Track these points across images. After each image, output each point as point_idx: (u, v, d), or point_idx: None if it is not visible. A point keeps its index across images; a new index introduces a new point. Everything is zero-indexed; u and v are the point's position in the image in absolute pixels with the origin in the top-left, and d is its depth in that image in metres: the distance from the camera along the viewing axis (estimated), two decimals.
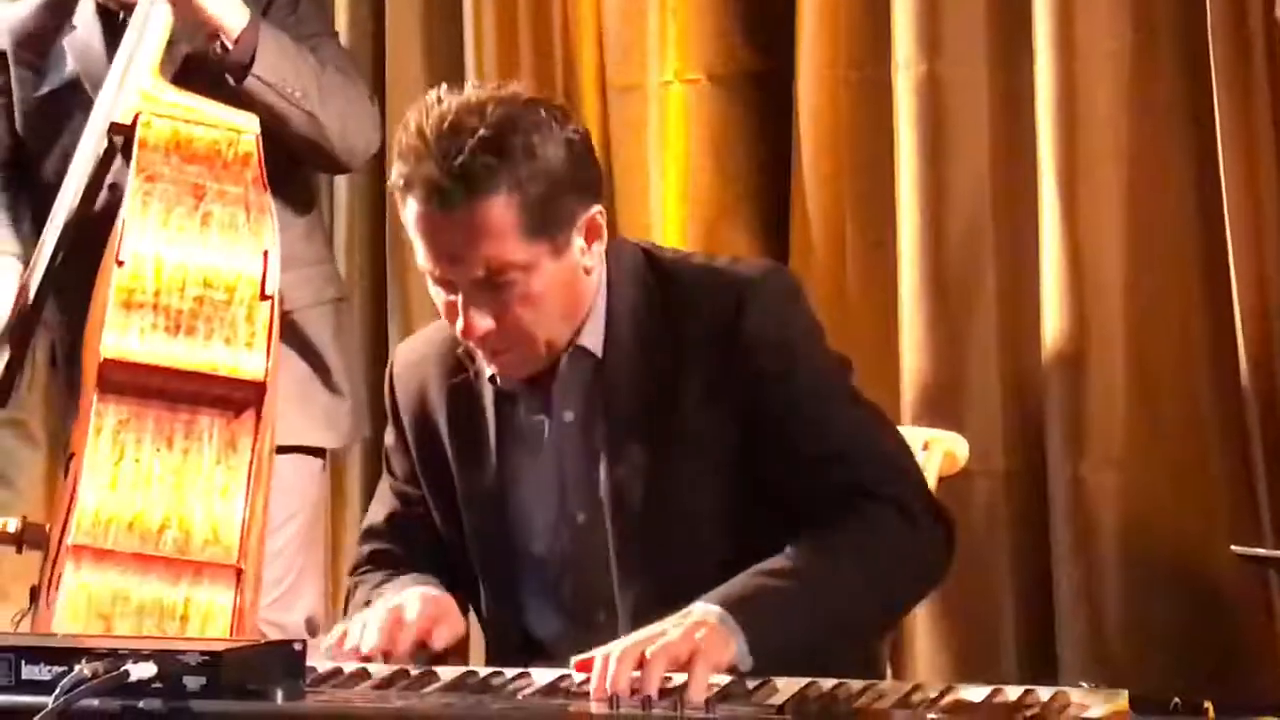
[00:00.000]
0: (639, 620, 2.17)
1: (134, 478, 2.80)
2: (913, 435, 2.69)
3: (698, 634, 2.02)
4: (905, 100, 3.46)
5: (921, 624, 3.43)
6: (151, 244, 2.85)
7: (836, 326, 3.40)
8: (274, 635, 3.03)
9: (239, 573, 2.80)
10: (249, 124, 2.94)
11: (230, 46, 3.04)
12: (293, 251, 3.15)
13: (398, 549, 2.51)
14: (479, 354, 2.35)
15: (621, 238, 2.41)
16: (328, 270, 3.44)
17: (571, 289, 2.30)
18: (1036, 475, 3.38)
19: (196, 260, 2.86)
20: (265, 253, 2.88)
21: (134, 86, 2.97)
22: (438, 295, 2.29)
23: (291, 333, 3.17)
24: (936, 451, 2.66)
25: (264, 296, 2.86)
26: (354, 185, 4.04)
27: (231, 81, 3.06)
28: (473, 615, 2.50)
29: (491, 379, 2.37)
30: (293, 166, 3.27)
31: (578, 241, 2.28)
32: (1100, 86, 3.33)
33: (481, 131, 2.19)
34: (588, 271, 2.31)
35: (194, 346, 2.83)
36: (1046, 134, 3.34)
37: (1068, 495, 3.33)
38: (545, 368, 2.34)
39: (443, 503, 2.45)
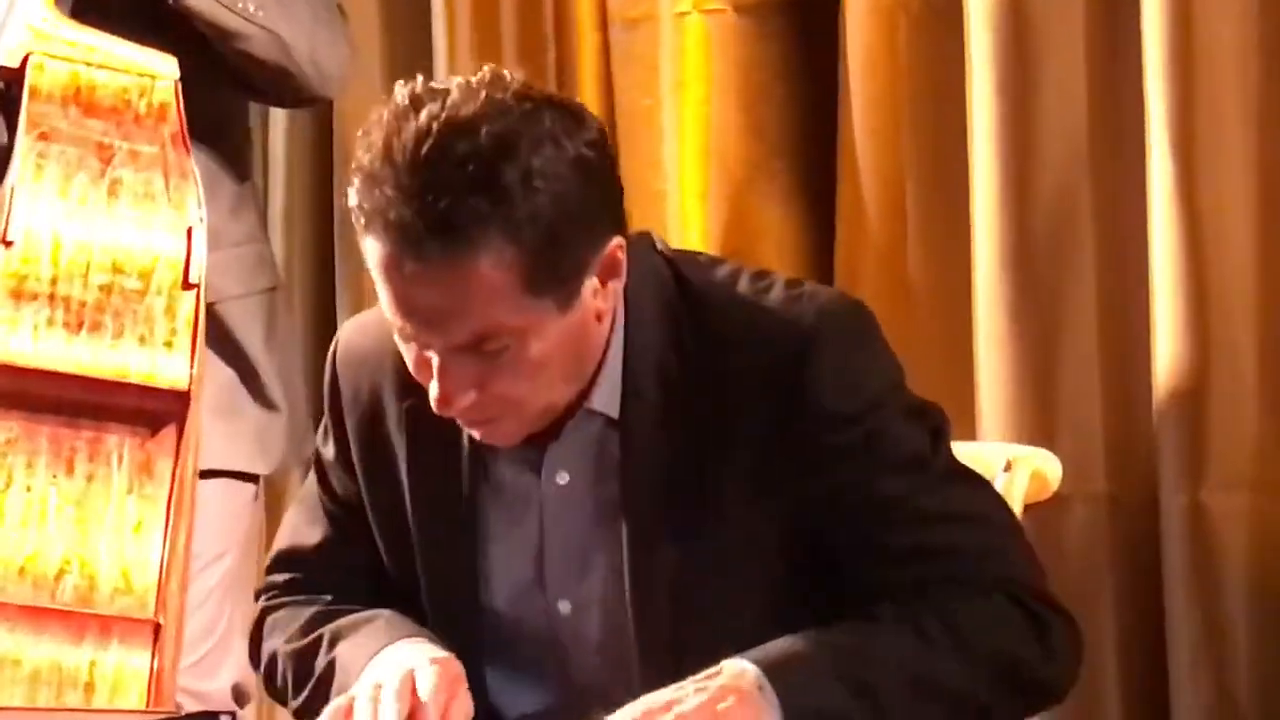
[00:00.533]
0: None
1: (25, 511, 2.83)
2: (992, 453, 2.67)
3: (722, 704, 2.03)
4: (980, 34, 3.43)
5: None
6: (47, 219, 2.88)
7: (895, 319, 3.40)
8: (193, 707, 3.09)
9: (156, 629, 2.84)
10: (166, 68, 2.96)
11: None
12: (217, 228, 3.14)
13: (330, 583, 2.42)
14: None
15: (641, 244, 2.26)
16: (260, 251, 3.41)
17: (579, 345, 2.19)
18: (1146, 500, 3.37)
19: (103, 239, 2.89)
20: (189, 230, 2.90)
21: (21, 22, 2.97)
22: (404, 349, 2.17)
23: (215, 330, 3.15)
24: (1022, 472, 2.61)
25: (187, 285, 2.89)
26: (294, 140, 4.06)
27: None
28: None
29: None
30: (220, 119, 3.26)
31: (590, 284, 2.15)
32: (1224, 13, 3.29)
33: (470, 167, 2.04)
34: (600, 318, 2.19)
35: (100, 347, 2.86)
36: (1157, 75, 3.29)
37: (1185, 524, 3.31)
38: (543, 428, 2.25)
39: (386, 523, 2.35)
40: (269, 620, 2.44)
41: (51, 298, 2.83)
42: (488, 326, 2.08)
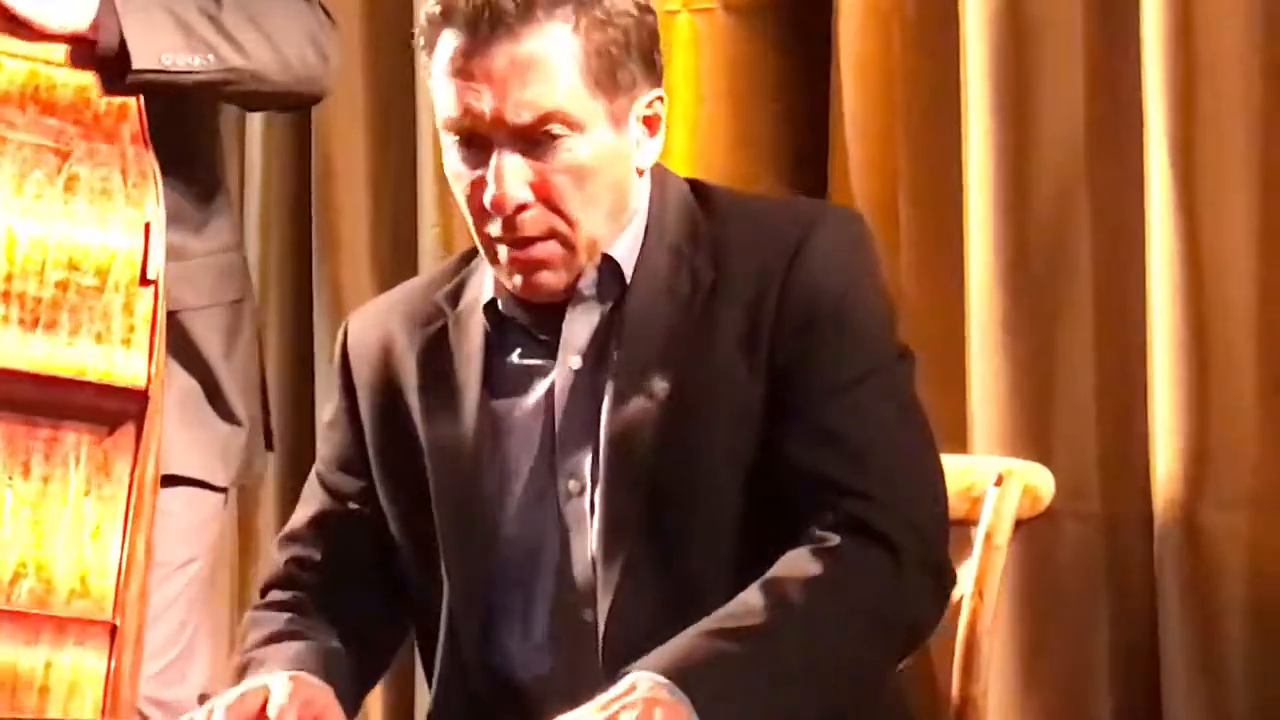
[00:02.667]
0: (619, 614, 2.26)
1: None
2: (984, 466, 2.66)
3: (656, 713, 2.04)
4: (976, 42, 3.40)
5: (999, 696, 3.35)
6: (2, 215, 2.87)
7: None
8: (160, 718, 3.06)
9: (114, 630, 2.84)
10: None
11: (93, 39, 3.01)
12: (185, 239, 3.17)
13: (320, 555, 2.47)
14: (497, 262, 2.32)
15: (662, 169, 2.41)
16: (228, 261, 3.36)
17: (622, 180, 2.31)
18: (1142, 518, 3.32)
19: (59, 236, 2.89)
20: (147, 225, 2.90)
21: None
22: (459, 168, 2.28)
23: (178, 340, 3.14)
24: (1014, 487, 2.59)
25: (145, 281, 2.88)
26: (270, 147, 4.07)
27: (113, 85, 3.03)
28: None
29: (491, 306, 2.36)
30: (190, 128, 3.25)
31: (635, 128, 2.30)
32: (1225, 20, 3.26)
33: None
34: (639, 172, 2.34)
35: (56, 344, 2.86)
36: (1156, 83, 3.27)
37: (1182, 543, 3.27)
38: (568, 292, 2.33)
39: (396, 477, 2.42)
40: (244, 625, 2.49)
41: (6, 295, 2.83)
42: (551, 108, 2.22)
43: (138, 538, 2.84)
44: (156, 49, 3.01)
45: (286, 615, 2.42)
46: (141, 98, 2.95)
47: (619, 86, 2.26)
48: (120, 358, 2.84)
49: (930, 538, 2.28)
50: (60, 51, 2.94)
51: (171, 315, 3.04)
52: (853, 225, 2.39)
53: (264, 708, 2.19)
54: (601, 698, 2.05)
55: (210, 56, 3.06)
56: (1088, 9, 3.38)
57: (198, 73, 3.05)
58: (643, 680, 2.06)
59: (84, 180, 2.88)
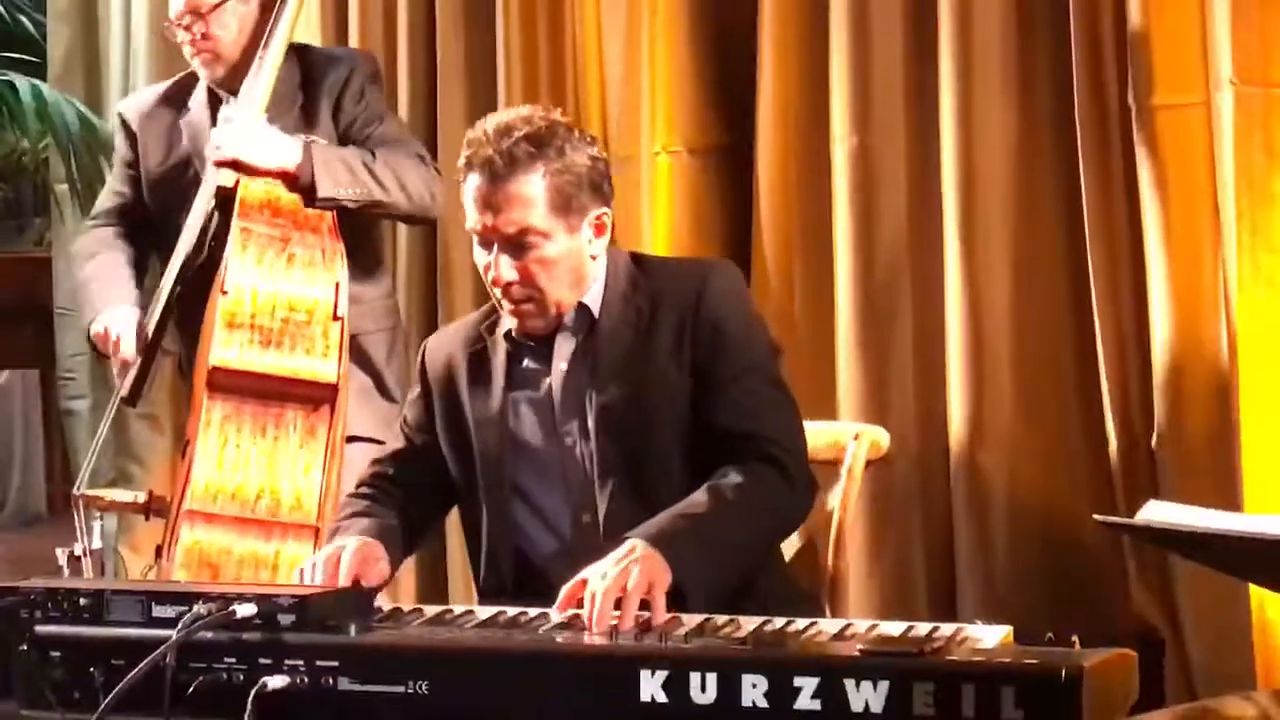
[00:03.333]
0: (612, 514, 2.27)
1: (236, 459, 2.82)
2: (846, 428, 2.69)
3: (648, 565, 2.04)
4: (840, 167, 3.44)
5: (854, 575, 3.31)
6: (249, 277, 2.87)
7: (788, 342, 3.36)
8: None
9: (317, 531, 2.82)
10: None
11: (296, 175, 3.01)
12: (364, 285, 3.16)
13: (392, 471, 2.48)
14: (502, 309, 2.35)
15: (614, 249, 2.42)
16: (389, 304, 3.37)
17: (578, 265, 2.32)
18: (942, 457, 3.36)
19: (284, 290, 2.88)
20: (336, 284, 2.91)
21: None
22: (480, 256, 2.32)
23: (357, 352, 3.13)
24: (865, 441, 2.64)
25: (335, 318, 2.88)
26: (412, 239, 3.99)
27: (309, 203, 3.01)
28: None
29: (508, 335, 2.38)
30: (357, 220, 3.23)
31: (587, 231, 2.31)
32: (993, 158, 3.31)
33: (527, 130, 2.27)
34: (593, 258, 2.34)
35: (281, 356, 2.85)
36: (951, 195, 3.32)
37: (966, 474, 3.31)
38: (552, 328, 2.35)
39: (454, 439, 2.42)
40: (340, 506, 2.52)
41: (251, 326, 2.84)
42: (526, 225, 2.26)
43: (332, 473, 2.84)
44: (335, 184, 3.01)
45: (365, 502, 2.44)
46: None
47: (573, 211, 2.28)
48: (320, 365, 2.85)
49: (802, 461, 2.34)
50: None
51: (354, 337, 3.06)
52: (732, 271, 2.42)
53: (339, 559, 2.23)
54: (613, 554, 2.07)
55: (365, 191, 3.05)
56: (909, 150, 3.38)
57: (358, 200, 3.05)
58: (638, 545, 2.09)
59: (298, 257, 2.89)
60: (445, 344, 2.47)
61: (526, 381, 2.38)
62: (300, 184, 3.00)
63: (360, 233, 3.16)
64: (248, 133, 2.99)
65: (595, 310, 2.35)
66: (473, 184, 2.28)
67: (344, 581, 2.19)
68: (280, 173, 3.00)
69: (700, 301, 2.32)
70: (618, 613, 1.99)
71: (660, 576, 2.05)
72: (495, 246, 2.28)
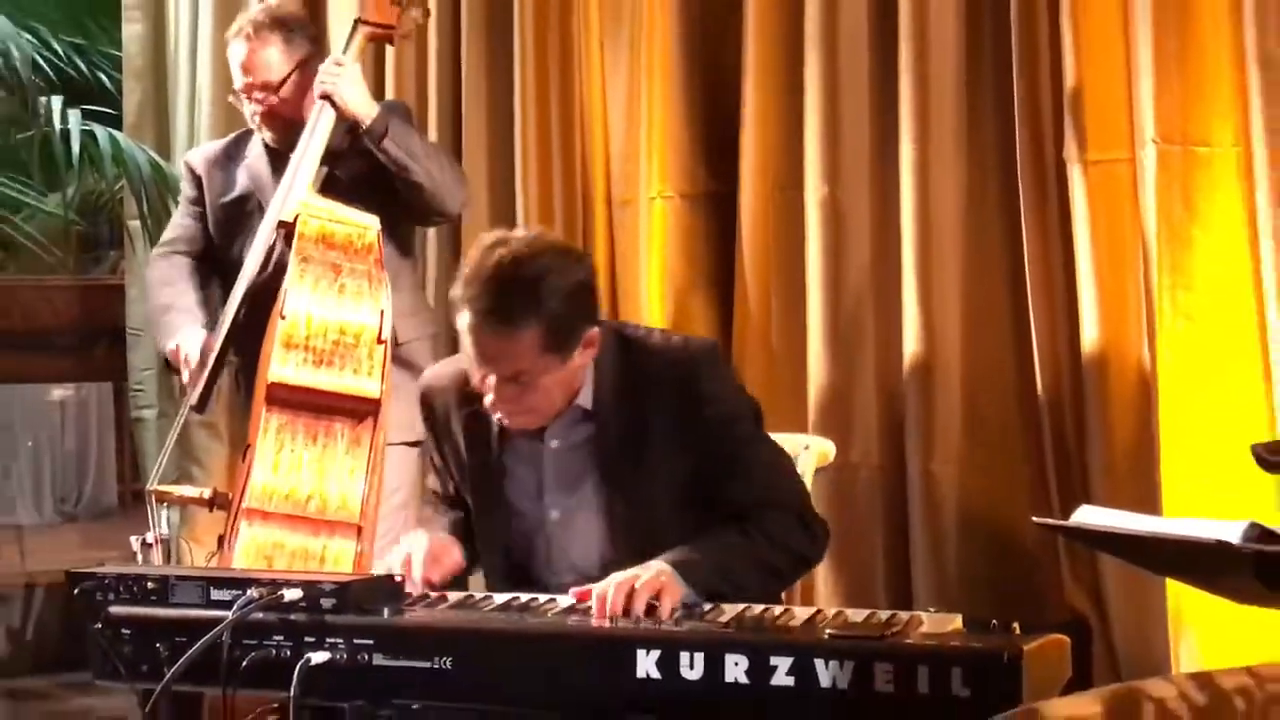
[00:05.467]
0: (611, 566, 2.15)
1: (290, 463, 2.79)
2: (798, 439, 2.65)
3: (663, 576, 2.03)
4: (812, 214, 3.42)
5: (822, 570, 3.36)
6: (305, 304, 2.84)
7: (766, 364, 3.43)
8: (379, 569, 2.98)
9: (359, 529, 2.79)
10: (372, 223, 2.93)
11: (366, 128, 3.03)
12: (405, 303, 3.13)
13: (439, 494, 2.46)
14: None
15: (604, 333, 2.25)
16: (429, 315, 3.35)
17: (571, 381, 2.22)
18: (900, 468, 3.33)
19: (335, 316, 2.85)
20: (381, 311, 2.86)
21: (295, 197, 2.99)
22: (475, 377, 2.19)
23: (403, 359, 3.10)
24: (814, 451, 2.63)
25: (380, 341, 2.84)
26: (441, 260, 3.96)
27: (373, 145, 3.03)
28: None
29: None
30: (408, 247, 3.22)
31: (576, 353, 2.19)
32: (946, 205, 3.29)
33: (518, 284, 2.11)
34: (583, 367, 2.23)
35: (332, 375, 2.82)
36: (909, 237, 3.30)
37: (921, 482, 3.29)
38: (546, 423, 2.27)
39: (460, 479, 2.38)
40: (420, 509, 2.59)
41: (306, 347, 2.81)
42: (521, 368, 2.14)
43: (374, 478, 2.80)
44: (402, 139, 3.02)
45: (437, 506, 2.44)
46: (380, 242, 2.88)
47: (567, 345, 2.15)
48: (366, 383, 2.80)
49: (808, 506, 2.29)
50: (338, 212, 2.90)
51: (401, 345, 3.05)
52: (714, 354, 2.29)
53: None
54: (630, 570, 2.03)
55: (417, 154, 3.05)
56: (872, 199, 3.36)
57: (410, 157, 3.04)
58: (655, 564, 2.06)
59: (349, 286, 2.86)
60: (443, 393, 2.36)
61: (518, 455, 2.29)
62: (371, 133, 3.03)
63: (397, 264, 3.14)
64: (349, 80, 3.04)
65: (589, 406, 2.24)
66: (467, 323, 2.12)
67: (416, 571, 2.17)
68: (354, 118, 3.03)
69: (692, 389, 2.21)
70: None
71: (671, 587, 2.01)
72: (493, 379, 2.16)
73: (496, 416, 2.23)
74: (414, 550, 2.21)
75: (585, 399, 2.25)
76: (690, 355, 2.26)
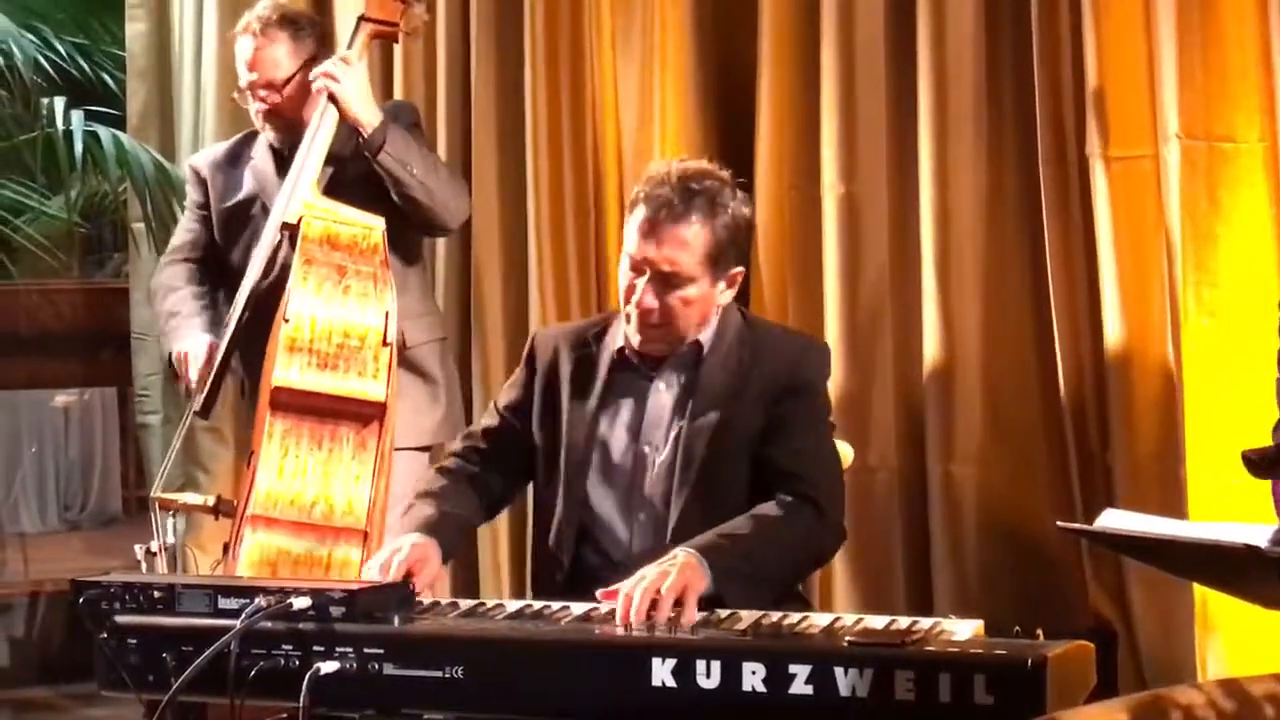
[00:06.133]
0: (680, 526, 2.25)
1: (295, 469, 2.78)
2: None
3: (688, 571, 2.03)
4: (830, 211, 3.42)
5: (840, 576, 3.38)
6: (308, 306, 2.83)
7: None
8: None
9: (366, 535, 2.78)
10: (377, 224, 2.92)
11: (366, 136, 3.00)
12: (413, 306, 3.12)
13: (484, 445, 2.46)
14: (628, 325, 2.32)
15: (732, 304, 2.40)
16: (438, 319, 3.36)
17: (706, 308, 2.33)
18: (919, 470, 3.34)
19: (339, 318, 2.84)
20: (386, 313, 2.85)
21: (299, 198, 2.98)
22: (624, 278, 2.31)
23: (411, 363, 3.10)
24: None
25: (385, 344, 2.83)
26: (450, 258, 3.95)
27: (370, 155, 3.00)
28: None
29: (619, 352, 2.36)
30: (415, 251, 3.21)
31: (722, 284, 2.32)
32: (965, 204, 3.29)
33: (707, 183, 2.28)
34: (718, 307, 2.35)
35: (337, 378, 2.81)
36: (928, 237, 3.31)
37: (941, 485, 3.30)
38: (666, 353, 2.35)
39: (548, 425, 2.39)
40: (427, 474, 2.48)
41: (310, 350, 2.80)
42: (679, 266, 2.27)
43: (380, 483, 2.78)
44: (401, 150, 3.00)
45: (442, 482, 2.41)
46: (385, 244, 2.88)
47: (720, 265, 2.29)
48: (371, 386, 2.79)
49: (838, 507, 2.34)
50: (343, 212, 2.90)
51: (409, 349, 3.04)
52: (826, 353, 2.46)
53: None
54: (658, 561, 2.07)
55: (414, 169, 3.01)
56: (890, 196, 3.36)
57: (407, 171, 3.00)
58: (681, 553, 2.09)
59: (354, 288, 2.84)
60: (554, 339, 2.45)
61: (624, 392, 2.37)
62: (370, 142, 2.99)
63: (404, 268, 3.13)
64: (355, 81, 3.00)
65: (706, 347, 2.35)
66: (641, 216, 2.27)
67: (398, 575, 2.17)
68: (354, 121, 3.00)
69: (795, 366, 2.34)
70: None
71: (696, 582, 2.03)
72: (645, 275, 2.27)
73: (630, 329, 2.31)
74: (400, 550, 2.21)
75: (705, 338, 2.35)
76: (807, 344, 2.45)
